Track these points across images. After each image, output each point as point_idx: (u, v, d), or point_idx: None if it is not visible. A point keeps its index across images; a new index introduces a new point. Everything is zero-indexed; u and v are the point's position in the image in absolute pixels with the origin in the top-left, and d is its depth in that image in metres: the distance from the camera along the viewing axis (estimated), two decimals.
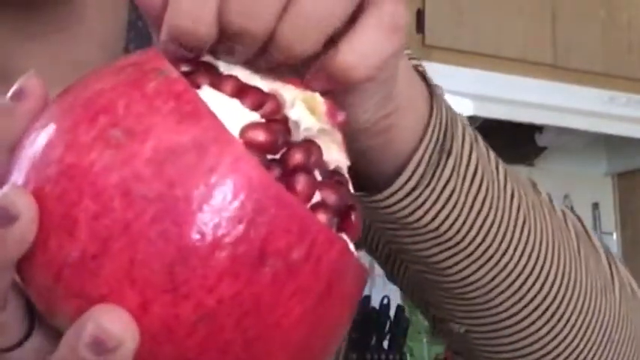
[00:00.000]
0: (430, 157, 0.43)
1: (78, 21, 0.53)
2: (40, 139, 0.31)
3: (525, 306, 0.47)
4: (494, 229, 0.45)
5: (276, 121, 0.32)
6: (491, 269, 0.45)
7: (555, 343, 0.48)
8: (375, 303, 2.22)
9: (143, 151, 0.29)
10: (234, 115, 0.31)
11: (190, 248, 0.29)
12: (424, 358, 2.34)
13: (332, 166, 0.34)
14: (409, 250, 0.46)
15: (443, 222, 0.44)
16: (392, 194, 0.43)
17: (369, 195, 0.43)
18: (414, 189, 0.43)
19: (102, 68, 0.33)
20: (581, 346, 0.48)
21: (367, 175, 0.43)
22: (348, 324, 0.33)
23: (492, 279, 0.45)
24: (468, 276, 0.45)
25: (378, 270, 2.42)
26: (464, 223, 0.44)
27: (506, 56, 2.13)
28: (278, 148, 0.31)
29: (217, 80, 0.32)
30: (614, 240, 2.58)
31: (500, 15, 2.15)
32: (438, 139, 0.43)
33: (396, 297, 2.29)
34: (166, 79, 0.30)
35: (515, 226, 0.45)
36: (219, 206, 0.29)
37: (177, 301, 0.29)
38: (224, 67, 0.33)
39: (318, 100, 0.33)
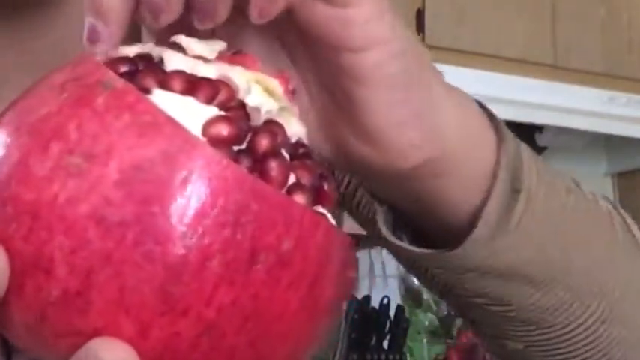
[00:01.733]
0: (502, 202, 0.41)
1: (63, 25, 0.52)
2: None
3: (590, 316, 0.47)
4: (565, 254, 0.44)
5: (234, 108, 0.31)
6: (560, 292, 0.45)
7: (615, 344, 0.48)
8: (375, 303, 2.22)
9: (108, 173, 0.28)
10: (191, 114, 0.30)
11: (179, 264, 0.27)
12: (424, 358, 2.33)
13: (294, 140, 0.33)
14: (473, 289, 0.44)
15: (515, 262, 0.42)
16: (465, 250, 0.41)
17: (440, 252, 0.41)
18: (488, 239, 0.41)
19: (38, 86, 0.31)
20: (635, 340, 0.49)
21: (424, 220, 0.42)
22: (346, 294, 0.33)
23: (561, 301, 0.45)
24: (535, 302, 0.45)
25: (378, 270, 2.41)
26: (537, 257, 0.43)
27: (506, 56, 2.12)
28: (243, 138, 0.30)
29: (164, 78, 0.31)
30: None
31: (500, 15, 2.14)
32: (508, 180, 0.41)
33: (396, 297, 2.29)
34: (114, 91, 0.29)
35: (584, 244, 0.45)
36: (200, 215, 0.28)
37: (175, 319, 0.28)
38: (165, 57, 0.32)
39: (270, 79, 0.32)
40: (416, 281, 2.37)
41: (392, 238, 0.42)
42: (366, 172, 0.39)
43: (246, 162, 0.30)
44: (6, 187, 0.28)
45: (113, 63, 0.31)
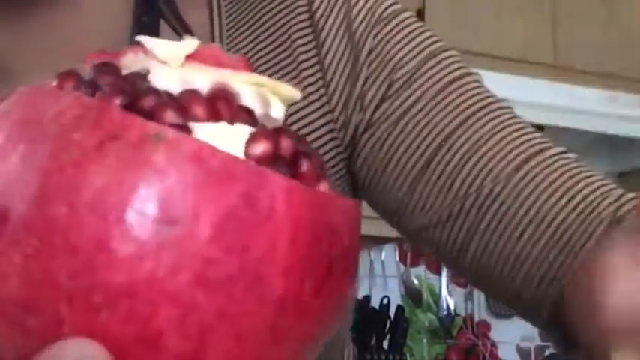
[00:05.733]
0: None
1: (76, 15, 0.52)
2: (58, 268, 0.26)
3: None
4: None
5: (245, 118, 0.30)
6: None
7: None
8: (375, 303, 2.22)
9: (201, 233, 0.26)
10: (229, 139, 0.28)
11: (283, 297, 0.27)
12: (424, 358, 2.33)
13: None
14: None
15: None
16: None
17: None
18: None
19: (42, 151, 0.27)
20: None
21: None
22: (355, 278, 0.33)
23: None
24: None
25: (378, 270, 2.42)
26: None
27: (506, 56, 2.13)
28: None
29: (182, 107, 0.28)
30: None
31: (500, 15, 2.14)
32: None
33: (396, 297, 2.29)
34: (168, 143, 0.26)
35: None
36: (292, 245, 0.27)
37: (280, 345, 0.28)
38: (152, 71, 0.30)
39: (266, 80, 0.31)
40: (416, 281, 2.37)
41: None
42: None
43: (284, 169, 0.29)
44: (88, 275, 0.26)
45: (109, 91, 0.28)
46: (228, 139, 0.28)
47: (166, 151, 0.26)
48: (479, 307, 2.42)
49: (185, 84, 0.30)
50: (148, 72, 0.30)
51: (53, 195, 0.26)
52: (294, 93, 0.32)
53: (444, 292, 2.37)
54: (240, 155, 0.28)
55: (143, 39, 0.31)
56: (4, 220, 0.26)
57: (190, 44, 0.31)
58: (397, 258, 2.34)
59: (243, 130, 0.29)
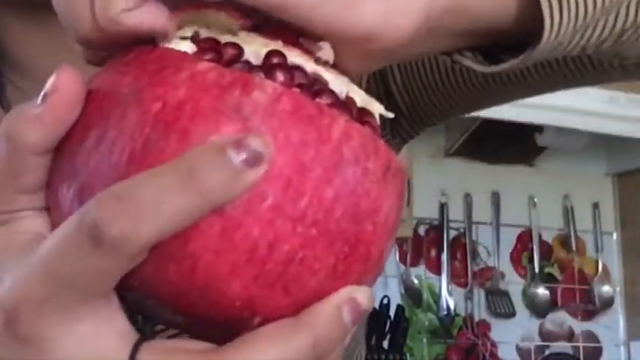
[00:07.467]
0: None
1: None
2: (355, 270, 0.33)
3: None
4: None
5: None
6: None
7: None
8: (375, 303, 2.22)
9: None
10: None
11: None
12: (424, 358, 2.34)
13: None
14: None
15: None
16: (552, 27, 0.38)
17: (534, 45, 0.39)
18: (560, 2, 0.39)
19: (362, 176, 0.32)
20: None
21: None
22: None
23: None
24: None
25: None
26: None
27: None
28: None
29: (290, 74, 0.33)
30: (614, 240, 2.58)
31: None
32: None
33: (396, 297, 2.29)
34: (348, 122, 0.32)
35: None
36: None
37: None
38: (329, 78, 0.34)
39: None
40: (416, 281, 2.37)
41: (492, 68, 0.40)
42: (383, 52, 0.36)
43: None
44: (367, 276, 0.34)
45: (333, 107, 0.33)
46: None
47: (346, 128, 0.32)
48: (479, 307, 2.43)
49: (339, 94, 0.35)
50: (320, 77, 0.34)
51: (363, 214, 0.32)
52: (386, 114, 0.36)
53: (444, 292, 2.37)
54: None
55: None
56: (326, 229, 0.32)
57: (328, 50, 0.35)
58: (397, 258, 2.34)
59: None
